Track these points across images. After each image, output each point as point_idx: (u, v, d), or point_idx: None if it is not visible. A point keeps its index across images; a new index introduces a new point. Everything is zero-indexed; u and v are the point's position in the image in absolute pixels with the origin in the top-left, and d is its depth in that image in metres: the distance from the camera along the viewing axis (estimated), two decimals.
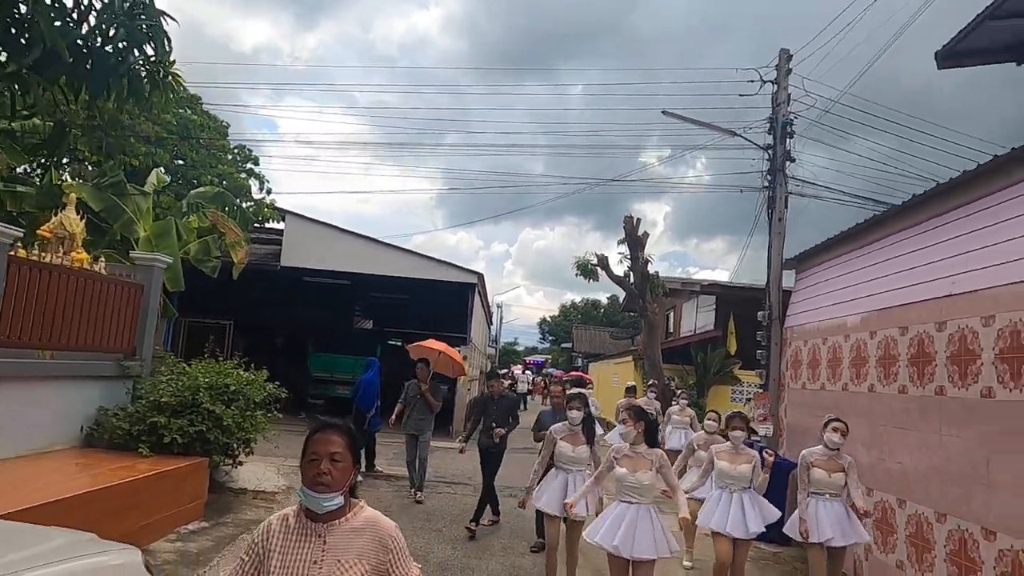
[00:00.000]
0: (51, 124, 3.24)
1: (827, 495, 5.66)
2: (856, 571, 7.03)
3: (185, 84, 3.31)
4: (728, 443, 6.19)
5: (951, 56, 9.72)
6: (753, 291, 14.07)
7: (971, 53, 9.74)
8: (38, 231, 7.45)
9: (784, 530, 6.13)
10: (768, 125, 10.51)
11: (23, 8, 2.62)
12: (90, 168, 12.37)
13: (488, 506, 8.12)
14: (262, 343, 20.04)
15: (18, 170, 9.02)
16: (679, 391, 15.57)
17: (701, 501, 6.27)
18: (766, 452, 5.99)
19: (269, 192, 17.98)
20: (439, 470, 11.38)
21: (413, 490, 9.31)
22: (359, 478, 2.26)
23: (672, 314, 25.52)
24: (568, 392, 7.05)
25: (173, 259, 8.87)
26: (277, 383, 8.65)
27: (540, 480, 6.00)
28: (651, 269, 16.91)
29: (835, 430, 5.73)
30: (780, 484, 8.02)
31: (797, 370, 9.29)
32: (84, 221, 7.84)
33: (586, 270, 17.15)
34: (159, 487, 6.50)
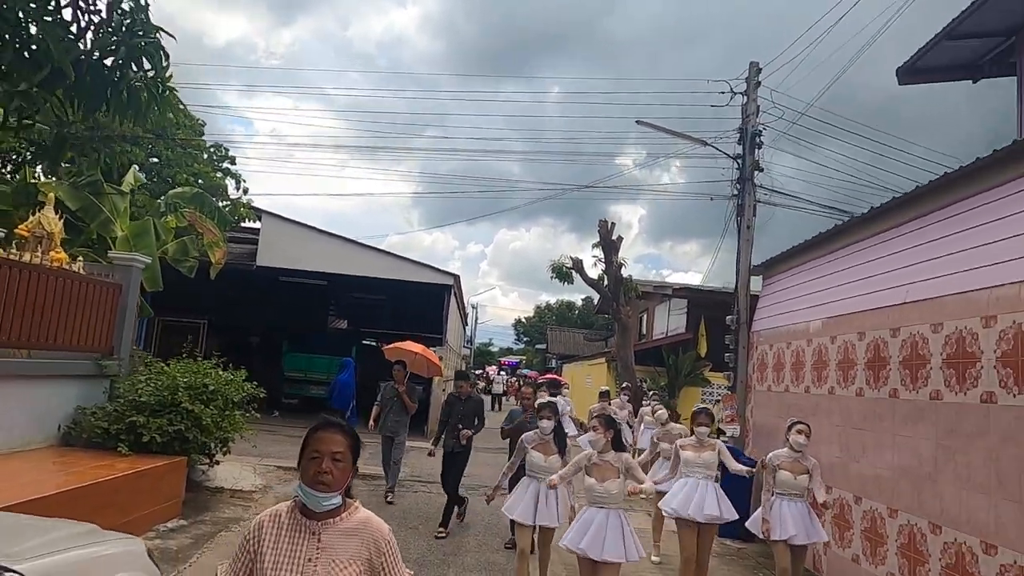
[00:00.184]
0: (53, 133, 3.35)
1: (791, 496, 5.83)
2: (815, 565, 7.36)
3: (181, 100, 3.45)
4: (693, 437, 6.44)
5: (911, 73, 10.20)
6: (723, 295, 14.44)
7: (930, 71, 10.22)
8: (16, 230, 7.46)
9: (747, 526, 6.35)
10: (738, 135, 10.84)
11: (32, 29, 2.77)
12: (63, 165, 12.30)
13: (456, 508, 8.20)
14: (237, 342, 19.97)
15: None
16: (651, 392, 15.92)
17: (663, 494, 6.48)
18: (746, 472, 6.24)
19: (246, 192, 17.92)
20: (414, 469, 11.52)
21: (386, 490, 9.41)
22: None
23: (645, 316, 25.92)
24: (538, 402, 6.92)
25: (151, 259, 8.90)
26: (255, 383, 8.74)
27: (510, 484, 6.06)
28: (625, 272, 17.24)
29: (800, 432, 5.90)
30: (745, 482, 8.32)
31: (763, 372, 9.63)
32: (62, 221, 7.87)
33: (561, 273, 17.43)
34: (138, 485, 6.57)
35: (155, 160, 15.87)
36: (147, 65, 3.25)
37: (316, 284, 19.96)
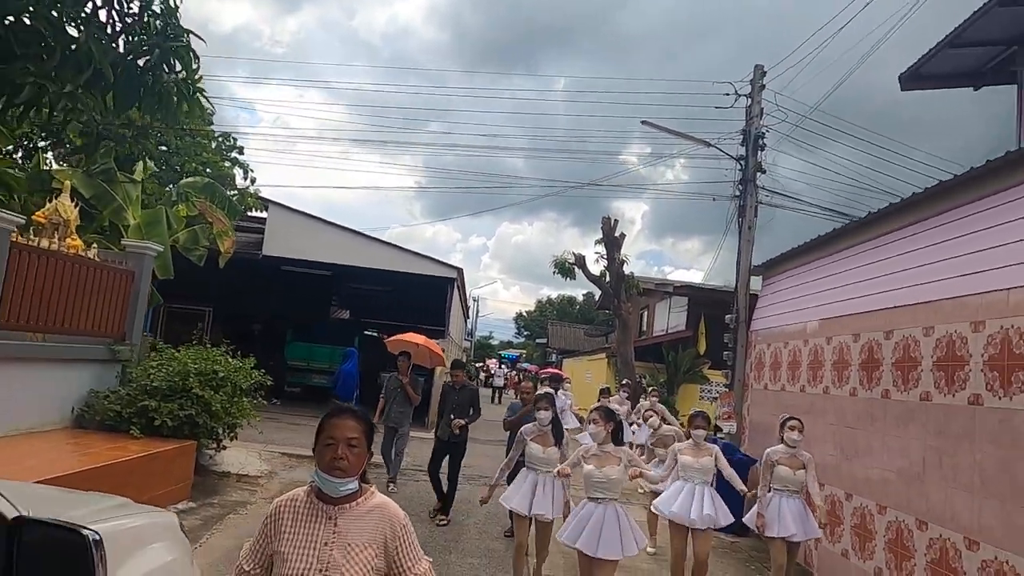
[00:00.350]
0: (92, 130, 3.53)
1: (789, 491, 5.93)
2: (806, 559, 7.55)
3: (209, 100, 3.62)
4: (690, 441, 6.43)
5: (914, 79, 10.35)
6: (724, 293, 14.61)
7: (932, 77, 10.37)
8: (33, 217, 7.63)
9: (744, 520, 6.48)
10: (741, 137, 10.99)
11: (72, 31, 2.94)
12: (68, 148, 12.47)
13: (446, 496, 8.13)
14: (240, 330, 20.17)
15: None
16: (650, 388, 16.11)
17: (659, 494, 6.58)
18: (741, 492, 6.07)
19: (253, 181, 18.09)
20: (416, 459, 11.71)
21: (388, 479, 9.57)
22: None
23: (646, 313, 26.10)
24: (537, 392, 7.02)
25: (164, 247, 9.09)
26: (262, 371, 8.93)
27: (508, 478, 6.08)
28: (627, 269, 17.40)
29: (792, 428, 6.02)
30: (740, 478, 8.52)
31: (760, 371, 9.81)
32: (77, 208, 8.04)
33: (564, 268, 17.59)
34: (150, 468, 6.77)
35: (164, 148, 16.01)
36: (177, 67, 3.42)
37: (320, 274, 20.14)
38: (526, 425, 6.08)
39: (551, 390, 10.12)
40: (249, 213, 16.60)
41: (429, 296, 20.29)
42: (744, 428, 10.40)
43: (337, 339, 20.39)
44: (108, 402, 7.48)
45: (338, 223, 17.89)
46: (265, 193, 18.07)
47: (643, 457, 8.10)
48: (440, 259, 18.81)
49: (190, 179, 11.73)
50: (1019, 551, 4.55)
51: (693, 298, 20.67)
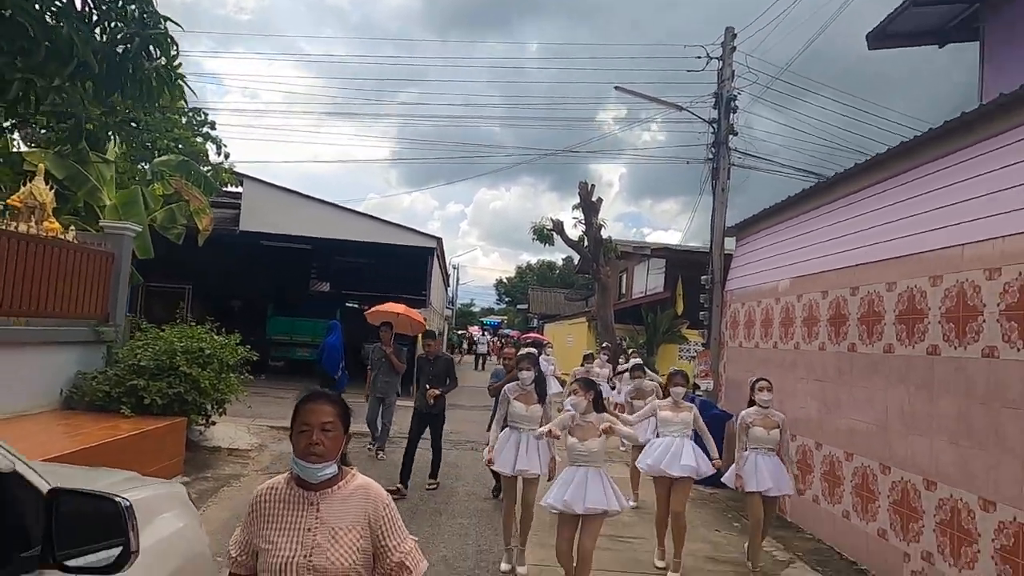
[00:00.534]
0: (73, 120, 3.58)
1: (764, 449, 6.03)
2: (780, 507, 7.93)
3: (188, 84, 3.68)
4: (669, 399, 6.47)
5: (880, 38, 10.51)
6: (700, 254, 14.84)
7: (898, 36, 10.54)
8: (8, 201, 7.59)
9: (723, 480, 6.47)
10: (713, 100, 11.12)
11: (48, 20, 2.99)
12: (42, 132, 12.26)
13: (432, 462, 8.15)
14: (220, 307, 20.13)
15: None
16: (630, 350, 16.43)
17: (640, 448, 6.80)
18: (713, 462, 6.19)
19: (227, 156, 17.88)
20: (402, 428, 11.94)
21: (371, 446, 9.76)
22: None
23: (624, 276, 26.40)
24: (519, 353, 7.05)
25: (142, 227, 9.07)
26: (248, 346, 9.04)
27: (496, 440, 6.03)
28: (605, 233, 17.60)
29: (762, 389, 6.08)
30: (717, 434, 8.85)
31: (735, 330, 10.11)
32: (52, 191, 8.00)
33: (542, 235, 17.76)
34: (142, 445, 6.90)
35: (133, 125, 15.73)
36: (157, 53, 3.47)
37: (299, 248, 20.08)
38: (508, 384, 6.09)
39: (533, 350, 10.30)
40: (224, 189, 16.44)
41: (409, 266, 20.36)
42: (721, 385, 10.75)
43: (319, 312, 20.43)
44: (96, 383, 7.57)
45: (315, 196, 17.82)
46: (239, 168, 17.85)
47: (624, 412, 8.34)
48: (419, 229, 18.86)
49: (164, 157, 11.62)
50: (972, 490, 4.88)
51: (670, 260, 20.95)
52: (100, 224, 8.78)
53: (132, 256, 9.18)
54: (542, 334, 33.10)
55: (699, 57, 11.29)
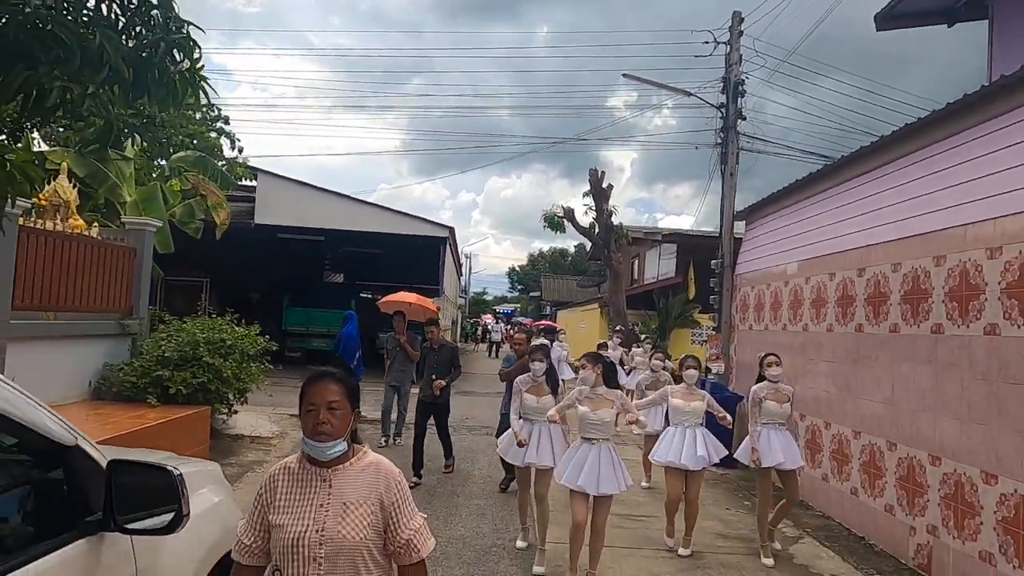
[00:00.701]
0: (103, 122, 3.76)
1: (776, 424, 6.10)
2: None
3: (211, 86, 3.85)
4: (682, 384, 6.45)
5: (888, 19, 10.50)
6: (711, 239, 14.88)
7: (907, 16, 10.52)
8: (34, 199, 7.83)
9: (736, 456, 6.56)
10: (721, 85, 11.16)
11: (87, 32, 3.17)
12: (60, 131, 12.53)
13: (444, 448, 8.22)
14: (237, 299, 20.47)
15: None
16: (644, 336, 16.55)
17: (654, 437, 6.81)
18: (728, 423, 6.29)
19: (241, 151, 18.12)
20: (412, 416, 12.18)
21: (384, 438, 9.83)
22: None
23: (636, 262, 26.47)
24: (531, 344, 7.06)
25: (162, 222, 9.31)
26: (268, 336, 9.27)
27: (501, 428, 6.19)
28: (616, 219, 17.69)
29: (771, 364, 6.15)
30: (729, 414, 8.98)
31: (745, 313, 10.22)
32: (76, 189, 8.24)
33: (553, 223, 17.88)
34: (169, 433, 7.15)
35: (146, 121, 15.99)
36: (179, 57, 3.65)
37: (313, 240, 20.33)
38: (520, 376, 6.07)
39: (546, 341, 10.37)
40: (239, 183, 16.72)
41: (422, 256, 20.55)
42: (732, 368, 10.86)
43: (333, 303, 20.71)
44: (123, 374, 7.83)
45: (328, 188, 18.03)
46: (252, 162, 18.08)
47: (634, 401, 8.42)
48: (431, 219, 19.04)
49: (182, 153, 11.85)
50: (974, 464, 5.01)
51: (681, 245, 21.01)
52: (122, 220, 9.02)
53: (153, 251, 9.43)
54: (555, 321, 33.26)
55: (706, 42, 11.33)
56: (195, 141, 15.27)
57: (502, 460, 7.09)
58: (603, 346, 14.46)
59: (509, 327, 40.31)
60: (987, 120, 5.24)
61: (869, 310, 6.61)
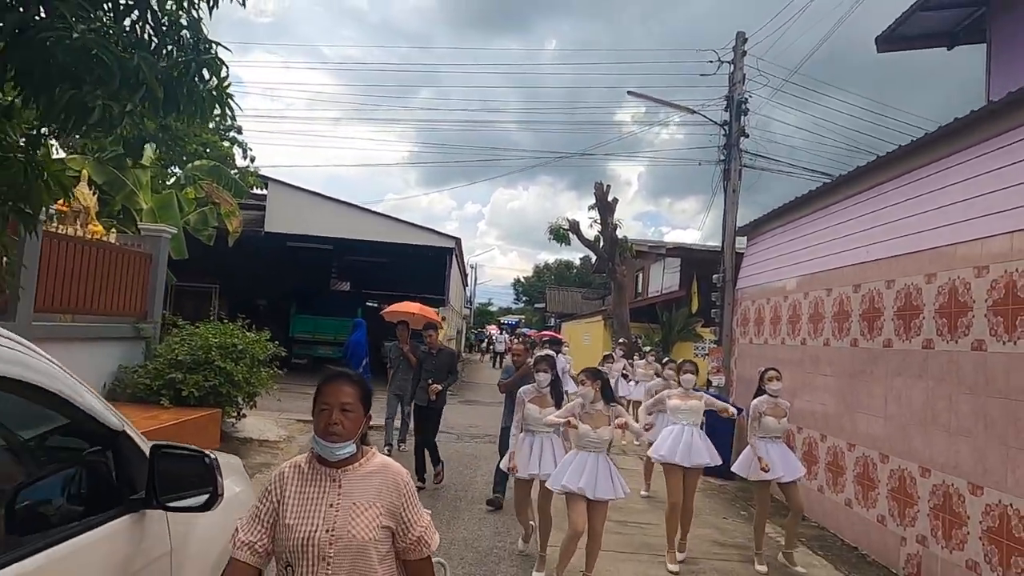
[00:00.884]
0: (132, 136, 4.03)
1: (773, 438, 6.18)
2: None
3: (236, 102, 4.10)
4: (680, 388, 6.63)
5: (889, 41, 10.74)
6: (714, 253, 15.04)
7: (907, 38, 10.76)
8: (56, 206, 8.10)
9: (735, 469, 6.62)
10: (725, 103, 11.40)
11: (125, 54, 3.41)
12: (77, 137, 12.84)
13: (434, 466, 7.99)
14: (245, 305, 20.75)
15: None
16: (647, 348, 16.69)
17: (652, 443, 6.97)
18: (731, 414, 6.54)
19: (252, 160, 18.45)
20: None
21: (387, 446, 9.92)
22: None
23: (641, 275, 26.64)
24: (536, 355, 7.01)
25: (177, 230, 9.56)
26: (277, 342, 9.49)
27: (503, 445, 6.13)
28: (622, 232, 17.90)
29: (772, 379, 6.26)
30: (727, 428, 9.14)
31: (746, 327, 10.40)
32: (96, 196, 8.51)
33: (559, 235, 18.10)
34: (181, 434, 7.35)
35: (169, 132, 16.34)
36: (206, 75, 3.90)
37: (321, 248, 20.61)
38: (524, 387, 6.02)
39: (551, 352, 10.43)
40: (251, 191, 17.03)
41: (428, 266, 20.80)
42: (732, 381, 11.02)
43: (340, 311, 20.96)
44: (137, 376, 8.05)
45: (337, 198, 18.33)
46: (263, 172, 18.42)
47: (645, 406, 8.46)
48: (438, 229, 19.31)
49: (197, 162, 12.15)
50: (961, 475, 5.17)
51: (685, 259, 21.18)
52: (139, 227, 9.28)
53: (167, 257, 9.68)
54: (559, 333, 33.40)
55: (711, 61, 11.59)
56: (208, 150, 15.58)
57: (495, 477, 7.10)
58: (608, 358, 14.56)
59: (513, 338, 40.37)
60: (974, 144, 5.44)
61: (864, 325, 6.79)
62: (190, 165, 11.89)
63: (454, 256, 20.40)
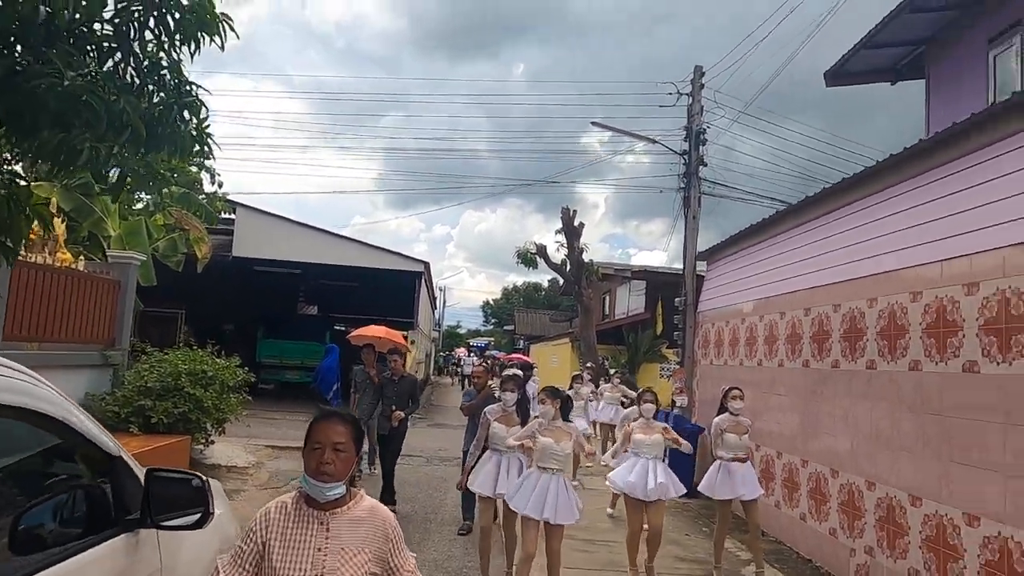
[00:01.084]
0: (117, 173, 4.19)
1: (735, 456, 6.32)
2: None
3: (216, 142, 4.29)
4: (641, 419, 6.59)
5: (837, 76, 11.36)
6: (679, 276, 15.46)
7: (853, 74, 11.40)
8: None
9: (700, 489, 6.77)
10: (684, 133, 11.87)
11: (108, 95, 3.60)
12: (41, 163, 12.76)
13: (386, 487, 7.98)
14: (212, 330, 20.55)
15: None
16: (613, 371, 16.97)
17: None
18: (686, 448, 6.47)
19: (220, 185, 18.46)
20: None
21: (367, 463, 10.02)
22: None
23: (607, 297, 27.10)
24: (504, 374, 6.95)
25: (146, 256, 9.60)
26: (246, 368, 9.54)
27: (476, 462, 6.05)
28: (590, 253, 18.32)
29: (735, 397, 6.47)
30: (693, 445, 9.40)
31: (706, 348, 10.76)
32: (64, 223, 8.54)
33: (526, 259, 18.44)
34: (151, 461, 7.33)
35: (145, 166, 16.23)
36: (187, 115, 4.09)
37: (291, 273, 20.59)
38: (490, 406, 6.03)
39: (518, 371, 10.47)
40: (220, 216, 17.03)
41: (397, 290, 20.91)
42: (694, 402, 11.36)
43: (307, 335, 20.91)
44: (105, 404, 8.04)
45: (305, 222, 18.42)
46: (231, 197, 18.43)
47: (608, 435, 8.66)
48: (406, 254, 19.48)
49: (165, 190, 12.18)
50: (903, 488, 5.51)
51: (650, 281, 21.69)
52: (108, 254, 9.30)
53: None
54: (527, 355, 33.58)
55: (670, 93, 12.08)
56: (176, 175, 15.56)
57: (463, 504, 7.17)
58: (578, 378, 14.74)
59: (479, 360, 40.35)
60: (908, 179, 5.88)
61: (814, 347, 7.16)
62: (160, 192, 11.92)
63: (423, 280, 20.56)
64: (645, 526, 6.10)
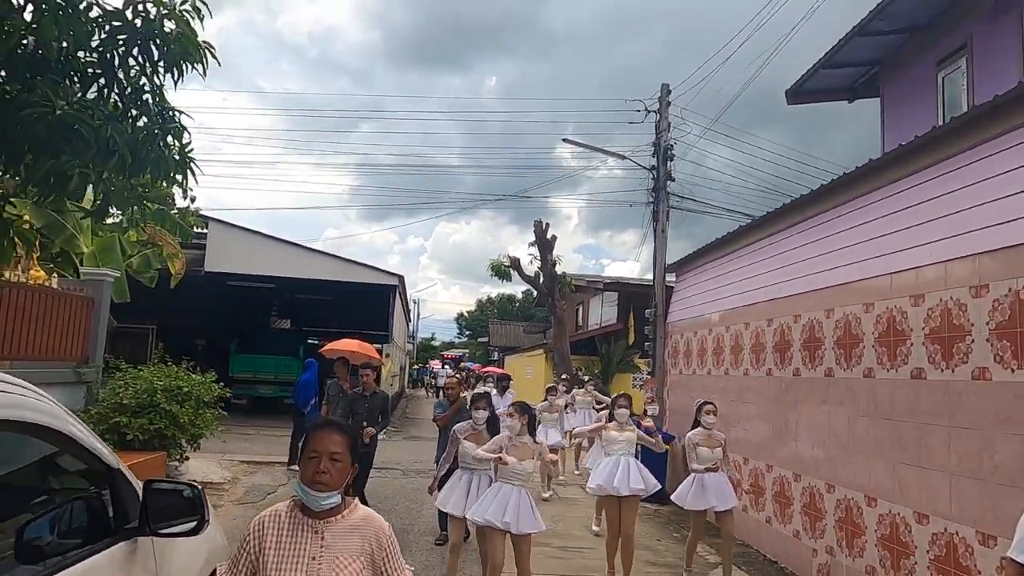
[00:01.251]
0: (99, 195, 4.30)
1: (708, 469, 6.43)
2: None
3: (198, 165, 4.43)
4: (615, 421, 6.79)
5: (797, 94, 11.80)
6: (650, 287, 15.78)
7: (812, 92, 11.85)
8: None
9: (673, 498, 6.82)
10: (653, 149, 12.21)
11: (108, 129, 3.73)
12: (9, 178, 12.65)
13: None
14: (184, 345, 20.35)
15: None
16: (587, 379, 17.19)
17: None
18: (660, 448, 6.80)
19: (193, 200, 18.34)
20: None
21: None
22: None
23: (581, 308, 27.40)
24: (474, 392, 7.09)
25: (120, 273, 9.60)
26: (222, 384, 9.57)
27: (446, 477, 6.08)
28: (563, 266, 18.57)
29: (708, 412, 6.56)
30: (662, 456, 9.60)
31: (676, 358, 11.05)
32: (38, 241, 8.53)
33: (500, 271, 18.64)
34: None
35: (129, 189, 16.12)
36: (171, 140, 4.24)
37: (264, 287, 20.53)
38: (459, 424, 6.01)
39: (488, 390, 10.47)
40: (194, 231, 16.93)
41: (372, 303, 20.95)
42: (666, 411, 11.62)
43: (281, 349, 20.84)
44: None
45: (277, 236, 18.41)
46: (204, 212, 18.34)
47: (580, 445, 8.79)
48: (381, 267, 19.56)
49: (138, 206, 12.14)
50: (860, 489, 5.79)
51: (622, 292, 22.01)
52: (81, 271, 9.28)
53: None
54: (502, 367, 33.71)
55: (638, 111, 12.42)
56: (147, 190, 15.46)
57: (439, 514, 7.12)
58: (552, 390, 14.81)
59: (452, 372, 40.36)
60: (863, 194, 6.21)
61: (777, 356, 7.46)
62: (132, 209, 11.87)
63: (397, 293, 20.64)
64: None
